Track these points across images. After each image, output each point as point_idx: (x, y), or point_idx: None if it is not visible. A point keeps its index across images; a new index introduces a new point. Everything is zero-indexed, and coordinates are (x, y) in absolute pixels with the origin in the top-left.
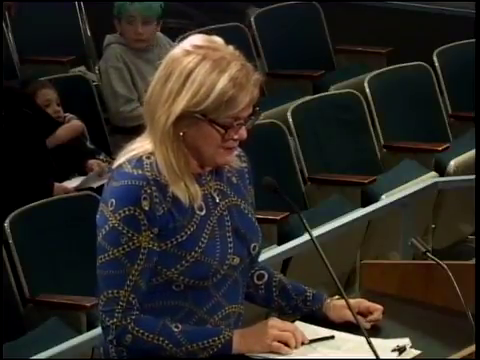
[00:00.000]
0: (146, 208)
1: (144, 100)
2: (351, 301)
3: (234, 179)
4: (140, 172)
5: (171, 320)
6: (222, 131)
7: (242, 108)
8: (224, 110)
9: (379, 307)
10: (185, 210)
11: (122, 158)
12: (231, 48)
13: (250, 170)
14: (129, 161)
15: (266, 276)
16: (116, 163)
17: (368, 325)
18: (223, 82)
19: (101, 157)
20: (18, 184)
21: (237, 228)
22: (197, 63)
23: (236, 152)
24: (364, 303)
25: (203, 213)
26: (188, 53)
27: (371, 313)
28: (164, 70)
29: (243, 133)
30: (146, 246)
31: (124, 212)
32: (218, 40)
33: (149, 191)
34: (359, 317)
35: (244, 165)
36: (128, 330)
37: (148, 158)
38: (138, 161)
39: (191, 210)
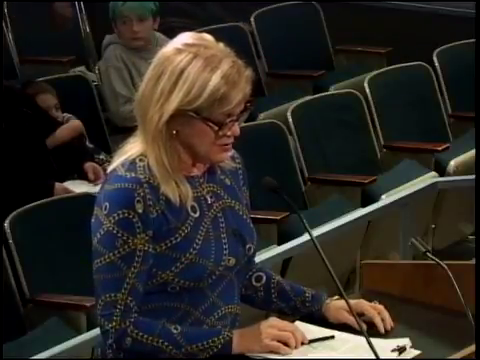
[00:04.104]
0: (140, 211)
1: (135, 100)
2: (351, 301)
3: (227, 181)
4: (133, 175)
5: (167, 321)
6: (216, 128)
7: (235, 105)
8: (217, 107)
9: (379, 306)
10: (178, 212)
11: (116, 162)
12: (222, 45)
13: (245, 172)
14: (122, 164)
15: (264, 278)
16: (110, 167)
17: (365, 326)
18: (216, 80)
19: (101, 157)
20: (18, 184)
21: (232, 229)
22: (189, 61)
23: (230, 153)
24: (363, 304)
25: (197, 215)
26: (179, 51)
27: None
28: (155, 69)
29: (236, 129)
30: (142, 248)
31: (118, 215)
32: (208, 37)
33: (142, 194)
34: (358, 317)
35: (238, 166)
36: (127, 333)
37: (141, 161)
38: (131, 164)
39: (185, 212)
